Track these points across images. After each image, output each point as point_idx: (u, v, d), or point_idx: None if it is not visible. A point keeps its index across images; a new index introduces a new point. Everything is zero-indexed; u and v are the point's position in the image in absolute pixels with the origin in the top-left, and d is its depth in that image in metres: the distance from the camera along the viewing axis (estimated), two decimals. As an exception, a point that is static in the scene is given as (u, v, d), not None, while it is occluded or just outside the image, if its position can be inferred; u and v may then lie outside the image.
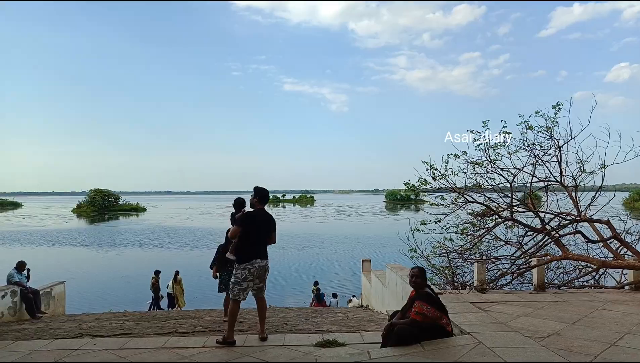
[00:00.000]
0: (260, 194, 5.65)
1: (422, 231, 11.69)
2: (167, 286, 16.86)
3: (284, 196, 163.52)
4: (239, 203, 7.07)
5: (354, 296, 15.57)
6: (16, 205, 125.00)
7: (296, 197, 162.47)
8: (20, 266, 10.76)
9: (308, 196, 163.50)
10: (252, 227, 5.44)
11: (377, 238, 39.59)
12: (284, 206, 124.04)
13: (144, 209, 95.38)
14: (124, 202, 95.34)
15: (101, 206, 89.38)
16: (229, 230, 7.99)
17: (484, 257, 10.77)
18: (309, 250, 32.60)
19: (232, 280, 5.37)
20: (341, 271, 25.04)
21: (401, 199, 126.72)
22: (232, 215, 7.11)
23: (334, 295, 16.08)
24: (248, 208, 6.51)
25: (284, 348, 5.12)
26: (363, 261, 14.17)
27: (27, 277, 10.90)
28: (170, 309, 15.77)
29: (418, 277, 4.66)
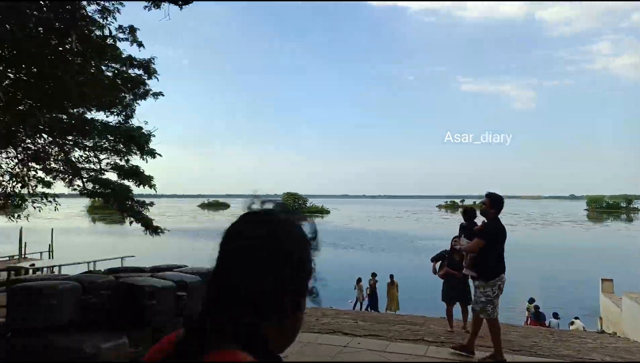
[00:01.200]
0: (498, 202, 5.17)
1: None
2: (366, 288, 17.38)
3: (462, 201, 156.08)
4: (470, 214, 6.61)
5: (576, 317, 13.60)
6: (225, 206, 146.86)
7: (476, 203, 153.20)
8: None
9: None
10: (494, 240, 5.05)
11: (591, 252, 34.37)
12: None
13: (327, 212, 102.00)
14: (311, 205, 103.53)
15: (292, 208, 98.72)
16: (454, 238, 7.60)
17: None
18: (509, 261, 30.00)
19: (483, 299, 5.05)
20: (558, 289, 22.29)
21: (607, 207, 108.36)
22: (463, 226, 6.67)
23: (555, 315, 14.24)
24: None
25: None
26: (603, 280, 12.17)
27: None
28: (372, 310, 16.17)
29: None
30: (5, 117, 5.11)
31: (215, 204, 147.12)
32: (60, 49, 5.10)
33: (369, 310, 16.48)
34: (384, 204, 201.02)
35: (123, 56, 13.08)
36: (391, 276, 16.52)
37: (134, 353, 4.33)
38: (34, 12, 4.88)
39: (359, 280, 17.31)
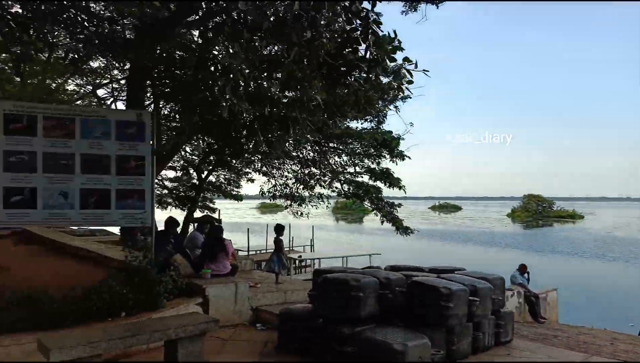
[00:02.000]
0: None
1: None
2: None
3: None
4: None
5: None
6: (457, 208, 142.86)
7: None
8: (522, 268, 11.08)
9: None
10: None
11: None
12: None
13: (581, 217, 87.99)
14: (559, 208, 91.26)
15: (535, 212, 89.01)
16: None
17: None
18: None
19: None
20: None
21: None
22: None
23: None
24: None
25: None
26: None
27: (528, 280, 11.10)
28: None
29: None
30: (316, 125, 5.85)
31: (446, 206, 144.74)
32: (350, 58, 5.43)
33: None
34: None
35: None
36: None
37: (434, 355, 4.22)
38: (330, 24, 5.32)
39: (649, 302, 14.01)
